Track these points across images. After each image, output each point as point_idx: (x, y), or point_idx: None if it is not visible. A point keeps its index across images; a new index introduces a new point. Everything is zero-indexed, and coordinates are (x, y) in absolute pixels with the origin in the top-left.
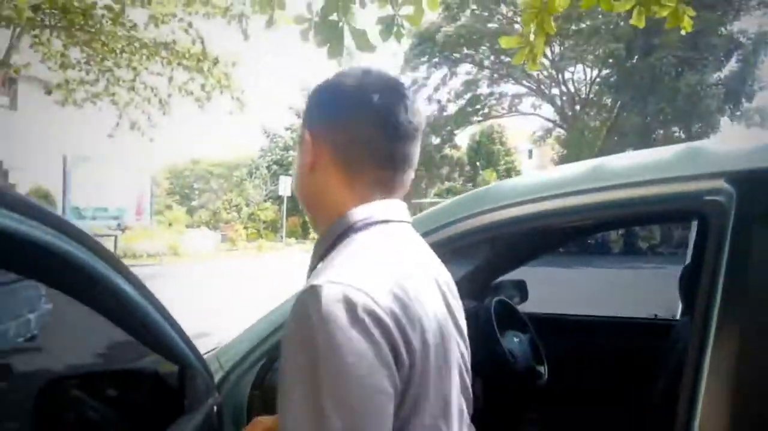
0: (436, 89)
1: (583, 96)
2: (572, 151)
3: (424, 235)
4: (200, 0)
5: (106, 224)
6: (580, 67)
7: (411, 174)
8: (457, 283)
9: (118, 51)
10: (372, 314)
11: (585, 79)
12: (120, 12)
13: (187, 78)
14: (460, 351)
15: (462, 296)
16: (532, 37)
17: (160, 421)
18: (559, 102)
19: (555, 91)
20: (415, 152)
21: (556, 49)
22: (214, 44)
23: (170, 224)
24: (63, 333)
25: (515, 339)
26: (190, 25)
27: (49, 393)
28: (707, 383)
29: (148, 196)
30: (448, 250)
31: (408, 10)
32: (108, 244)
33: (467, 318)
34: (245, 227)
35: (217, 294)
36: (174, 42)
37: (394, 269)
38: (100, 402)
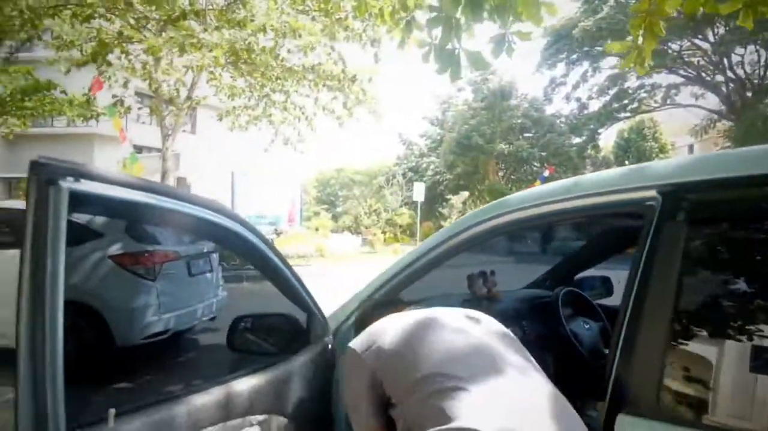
0: (576, 87)
1: (756, 81)
2: (741, 143)
3: (457, 234)
4: (341, 26)
5: (265, 230)
6: (751, 48)
7: None
8: (542, 277)
9: (273, 78)
10: None
11: (758, 62)
12: (274, 47)
13: (330, 97)
14: None
15: (546, 288)
16: (640, 40)
17: (296, 347)
18: (725, 90)
19: (720, 77)
20: None
21: (720, 30)
22: (353, 62)
23: (317, 229)
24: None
25: (584, 325)
26: (332, 48)
27: (233, 329)
28: (620, 350)
29: (299, 204)
30: (477, 244)
31: (519, 26)
32: None
33: (543, 306)
34: (383, 232)
35: (355, 289)
36: (319, 64)
37: None
38: (263, 334)
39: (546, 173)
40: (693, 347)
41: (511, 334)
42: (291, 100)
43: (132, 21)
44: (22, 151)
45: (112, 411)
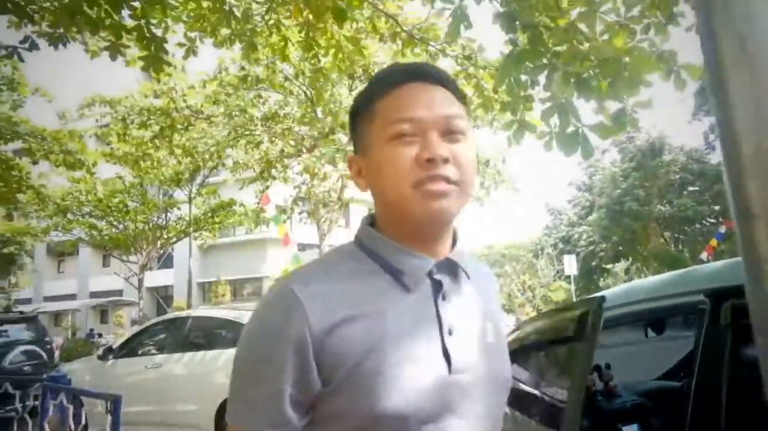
0: None
1: None
2: None
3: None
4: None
5: None
6: None
7: None
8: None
9: None
10: None
11: None
12: None
13: None
14: None
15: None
16: None
17: None
18: None
19: None
20: None
21: None
22: (487, 144)
23: None
24: None
25: None
26: None
27: None
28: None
29: None
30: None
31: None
32: None
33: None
34: (538, 310)
35: None
36: None
37: None
38: None
39: (723, 230)
40: None
41: None
42: None
43: (291, 143)
44: (212, 258)
45: None
